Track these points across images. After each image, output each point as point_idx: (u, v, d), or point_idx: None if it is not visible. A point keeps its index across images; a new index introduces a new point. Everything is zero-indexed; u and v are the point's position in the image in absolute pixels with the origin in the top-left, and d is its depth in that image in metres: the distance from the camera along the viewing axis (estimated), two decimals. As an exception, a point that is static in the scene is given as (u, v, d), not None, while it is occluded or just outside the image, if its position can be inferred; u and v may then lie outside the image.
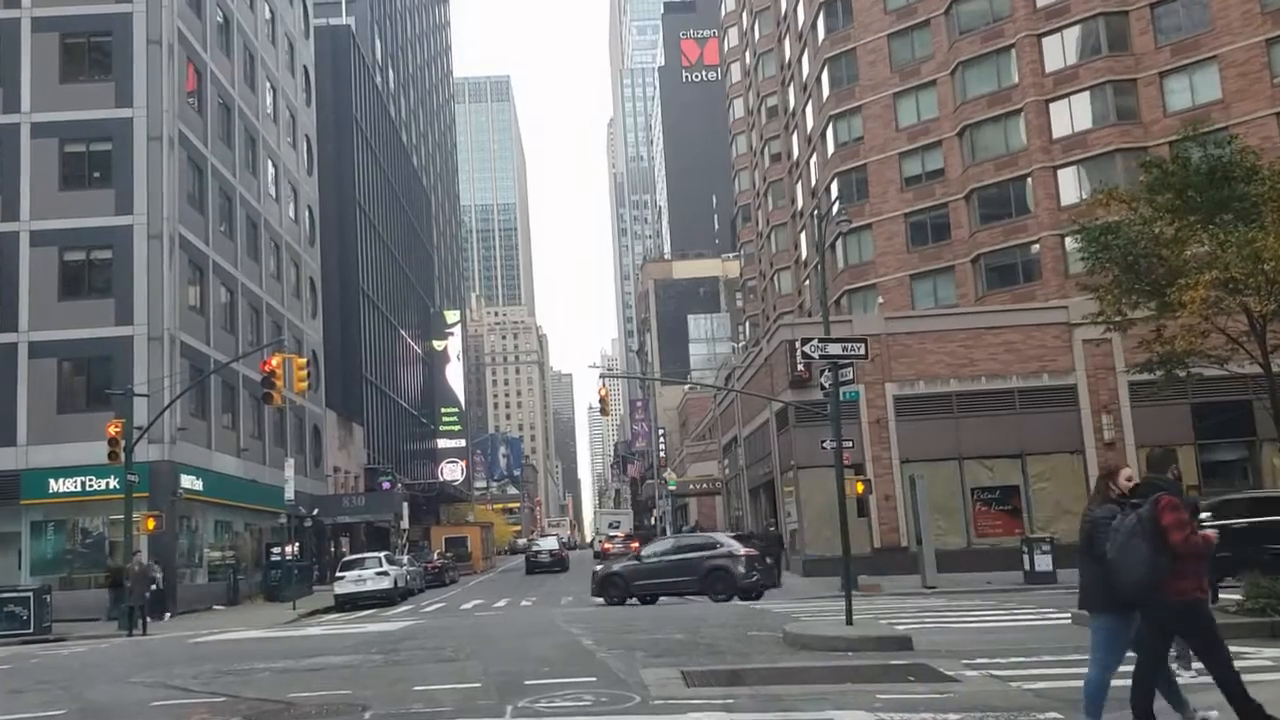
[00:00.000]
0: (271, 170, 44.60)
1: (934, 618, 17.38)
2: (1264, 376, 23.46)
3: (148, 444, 29.49)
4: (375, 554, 35.34)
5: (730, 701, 9.33)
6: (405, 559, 39.46)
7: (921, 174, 49.17)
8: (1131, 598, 6.57)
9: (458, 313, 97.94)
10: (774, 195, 70.05)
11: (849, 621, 14.20)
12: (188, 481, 32.69)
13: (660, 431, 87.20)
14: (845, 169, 51.40)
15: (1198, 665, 7.86)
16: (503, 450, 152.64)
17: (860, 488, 28.25)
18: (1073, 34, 44.05)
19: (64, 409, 32.11)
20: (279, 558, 36.75)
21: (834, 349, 16.14)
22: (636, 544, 41.03)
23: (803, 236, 62.77)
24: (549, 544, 57.55)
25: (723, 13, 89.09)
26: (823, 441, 27.06)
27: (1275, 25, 39.56)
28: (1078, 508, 27.57)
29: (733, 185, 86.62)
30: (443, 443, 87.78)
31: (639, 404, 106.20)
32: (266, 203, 43.28)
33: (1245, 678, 6.69)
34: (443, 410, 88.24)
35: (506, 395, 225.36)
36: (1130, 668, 6.91)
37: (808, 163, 59.07)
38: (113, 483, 29.08)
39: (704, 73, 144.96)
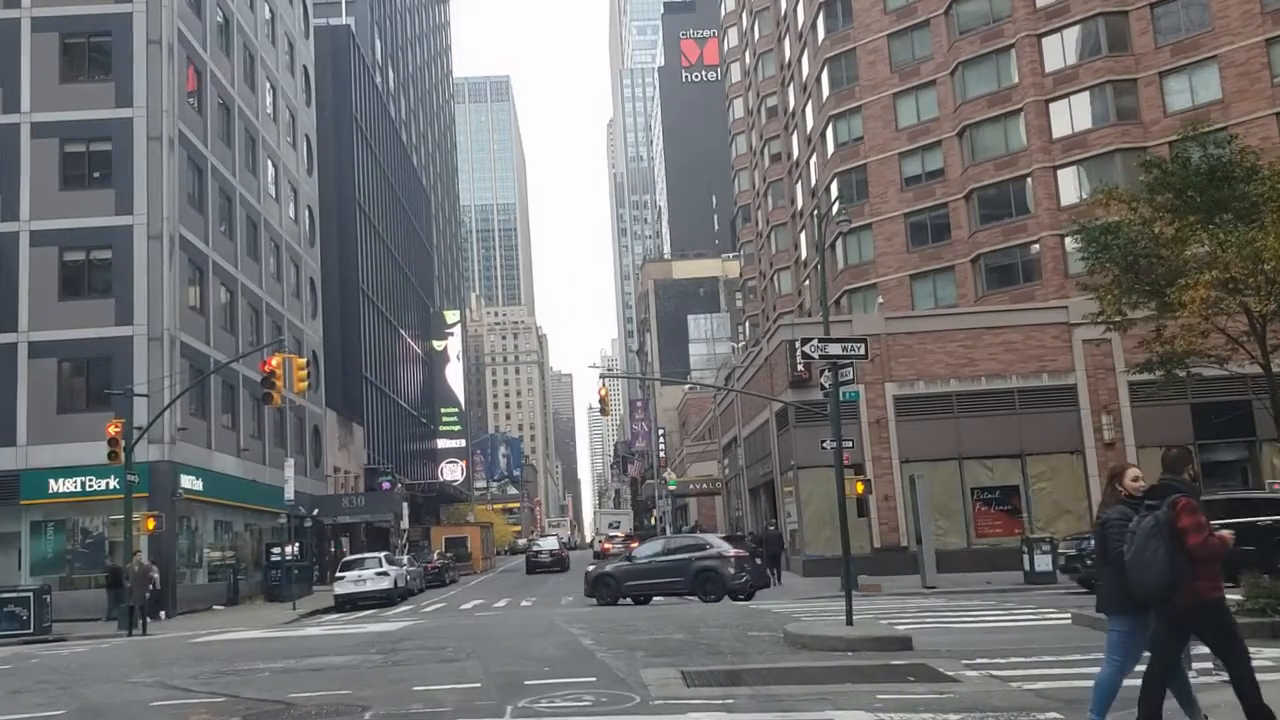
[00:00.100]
0: (271, 170, 44.59)
1: (934, 618, 17.38)
2: (1264, 376, 23.46)
3: (148, 444, 29.49)
4: (375, 554, 35.34)
5: (730, 701, 9.33)
6: (405, 559, 39.45)
7: (921, 174, 49.17)
8: (1149, 600, 6.54)
9: (457, 313, 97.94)
10: (774, 195, 70.06)
11: (849, 621, 14.20)
12: (188, 481, 32.69)
13: (660, 431, 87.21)
14: (845, 169, 51.41)
15: (1199, 665, 7.84)
16: (503, 450, 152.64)
17: (860, 488, 28.25)
18: (1072, 34, 44.07)
19: (64, 409, 32.10)
20: (279, 558, 36.73)
21: (834, 349, 16.14)
22: (636, 544, 41.09)
23: (803, 236, 62.78)
24: (549, 544, 57.98)
25: (722, 13, 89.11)
26: (823, 441, 27.06)
27: (1275, 25, 39.57)
28: (1077, 508, 27.87)
29: (733, 185, 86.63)
30: (443, 443, 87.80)
31: (639, 404, 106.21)
32: (266, 203, 43.27)
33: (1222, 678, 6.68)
34: (443, 410, 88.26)
35: (506, 395, 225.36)
36: (1140, 667, 6.88)
37: (808, 163, 59.08)
38: (113, 483, 29.07)
39: (704, 73, 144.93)
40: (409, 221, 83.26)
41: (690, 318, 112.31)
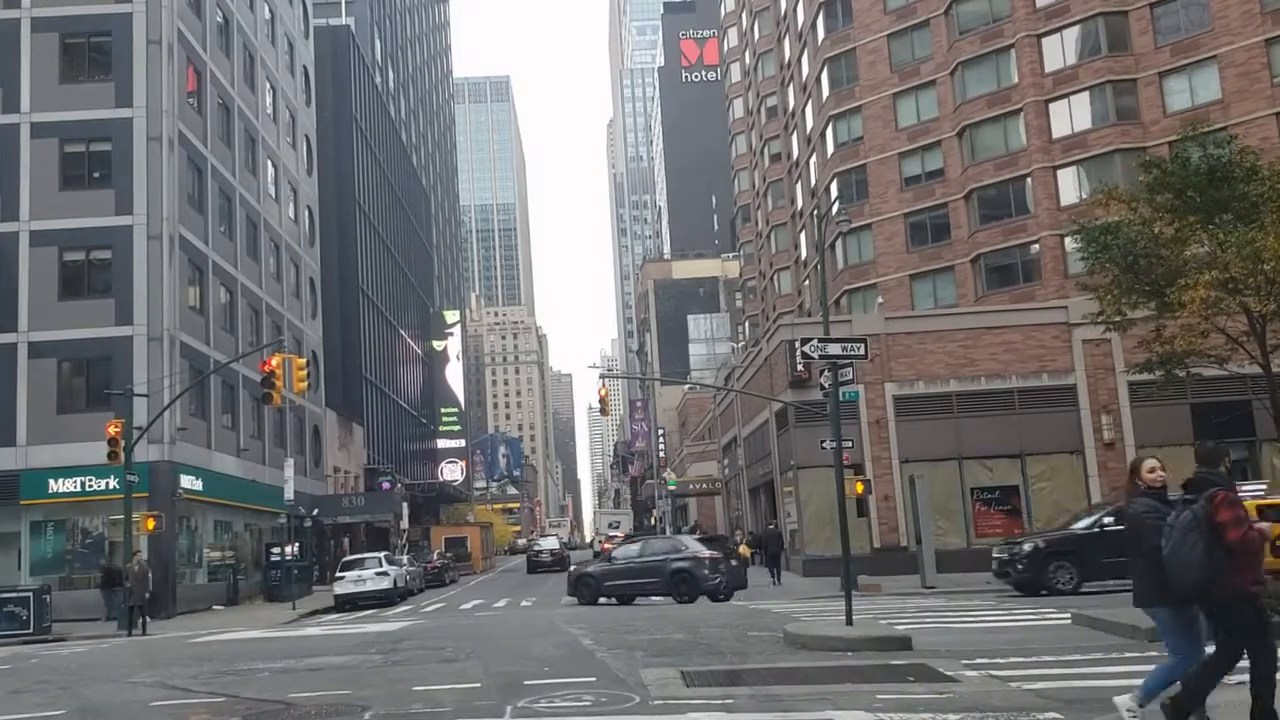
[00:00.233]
0: (271, 170, 44.59)
1: (934, 618, 17.38)
2: (1264, 377, 23.46)
3: (147, 444, 29.49)
4: (375, 554, 35.34)
5: (730, 701, 9.33)
6: (405, 559, 39.45)
7: (921, 174, 49.19)
8: (1188, 594, 6.50)
9: (457, 313, 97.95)
10: (774, 195, 70.07)
11: (849, 621, 14.20)
12: (187, 482, 32.68)
13: (660, 432, 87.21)
14: (845, 169, 51.42)
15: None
16: (502, 450, 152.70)
17: (860, 488, 28.26)
18: (1072, 34, 44.08)
19: (64, 409, 32.09)
20: (279, 558, 36.74)
21: (834, 349, 16.13)
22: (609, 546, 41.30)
23: (802, 236, 62.79)
24: (550, 544, 58.63)
25: (722, 13, 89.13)
26: (822, 441, 27.07)
27: (1275, 25, 39.58)
28: (1077, 508, 27.74)
29: (732, 185, 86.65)
30: (442, 443, 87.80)
31: (639, 404, 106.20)
32: (266, 203, 43.27)
33: (1243, 679, 6.67)
34: (442, 410, 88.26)
35: (506, 395, 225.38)
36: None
37: (807, 163, 59.08)
38: (112, 483, 29.07)
39: (704, 73, 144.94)
40: (409, 221, 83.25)
41: (690, 318, 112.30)
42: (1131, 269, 23.84)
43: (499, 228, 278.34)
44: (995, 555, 23.49)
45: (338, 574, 32.71)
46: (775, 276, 69.88)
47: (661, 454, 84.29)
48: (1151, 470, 6.96)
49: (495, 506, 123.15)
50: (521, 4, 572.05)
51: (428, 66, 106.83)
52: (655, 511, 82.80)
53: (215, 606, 34.00)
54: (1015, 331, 33.85)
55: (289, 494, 34.59)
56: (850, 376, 19.01)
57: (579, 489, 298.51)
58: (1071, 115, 43.60)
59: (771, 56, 70.10)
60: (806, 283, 61.44)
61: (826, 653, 12.51)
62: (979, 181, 46.14)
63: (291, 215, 47.60)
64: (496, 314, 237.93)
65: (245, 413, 38.97)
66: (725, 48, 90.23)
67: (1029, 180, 44.53)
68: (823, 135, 54.15)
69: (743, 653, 12.93)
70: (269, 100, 45.04)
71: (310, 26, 55.07)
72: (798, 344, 28.84)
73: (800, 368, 32.20)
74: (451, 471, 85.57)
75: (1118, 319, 24.86)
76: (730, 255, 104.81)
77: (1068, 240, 39.31)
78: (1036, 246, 44.22)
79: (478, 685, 11.01)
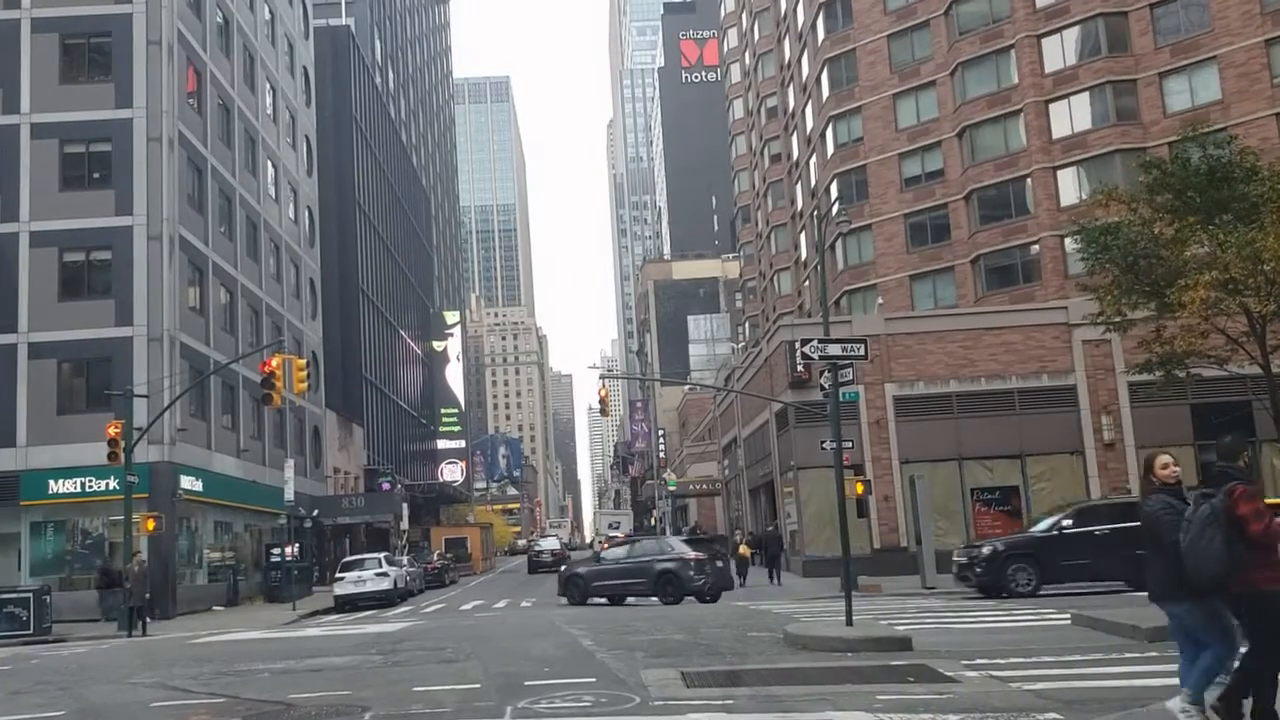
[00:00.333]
0: (271, 171, 44.60)
1: (934, 618, 17.38)
2: (1264, 377, 23.49)
3: (147, 445, 29.48)
4: (375, 555, 35.33)
5: (730, 702, 9.33)
6: (405, 560, 39.45)
7: (921, 175, 49.19)
8: (1206, 588, 6.46)
9: (457, 313, 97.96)
10: (774, 196, 70.07)
11: (849, 622, 14.19)
12: (187, 482, 32.68)
13: (660, 432, 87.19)
14: (845, 170, 51.43)
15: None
16: (502, 451, 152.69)
17: (860, 488, 28.25)
18: (1072, 35, 44.08)
19: (64, 410, 32.09)
20: (279, 558, 36.74)
21: (834, 349, 16.14)
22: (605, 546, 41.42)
23: (802, 237, 62.79)
24: (550, 544, 59.28)
25: (722, 13, 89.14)
26: (822, 442, 27.06)
27: (1275, 26, 39.58)
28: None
29: (732, 186, 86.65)
30: (442, 443, 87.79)
31: (639, 405, 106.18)
32: (266, 203, 43.27)
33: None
34: (442, 411, 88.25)
35: (506, 396, 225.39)
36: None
37: (807, 163, 59.09)
38: (112, 483, 29.07)
39: (704, 73, 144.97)
40: (409, 222, 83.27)
41: (690, 318, 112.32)
42: (1131, 269, 23.87)
43: (499, 228, 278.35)
44: (955, 559, 23.52)
45: (337, 575, 32.71)
46: (775, 277, 69.88)
47: (661, 454, 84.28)
48: (1165, 466, 6.93)
49: (495, 507, 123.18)
50: (521, 4, 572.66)
51: (428, 67, 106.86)
52: (655, 512, 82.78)
53: (215, 607, 33.99)
54: (1015, 332, 33.85)
55: (289, 495, 34.60)
56: (850, 377, 18.99)
57: (579, 489, 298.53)
58: (1071, 116, 43.61)
59: (771, 57, 70.11)
60: (806, 283, 61.44)
61: (826, 653, 12.51)
62: (979, 182, 46.14)
63: (291, 216, 47.61)
64: (496, 314, 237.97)
65: (245, 413, 38.97)
66: (725, 48, 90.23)
67: (1029, 181, 44.53)
68: (823, 136, 54.16)
69: (743, 653, 12.93)
70: (269, 101, 45.05)
71: (310, 27, 55.08)
72: (798, 344, 28.89)
73: (800, 368, 32.21)
74: (451, 472, 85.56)
75: (1118, 319, 24.89)
76: (730, 256, 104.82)
77: (1068, 241, 39.32)
78: (1036, 247, 44.22)
79: (478, 686, 11.02)
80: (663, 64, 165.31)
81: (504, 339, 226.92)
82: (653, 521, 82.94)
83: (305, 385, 30.09)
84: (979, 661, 11.09)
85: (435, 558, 49.26)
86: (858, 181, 50.84)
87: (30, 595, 25.21)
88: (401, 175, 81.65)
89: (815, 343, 16.18)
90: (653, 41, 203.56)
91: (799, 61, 60.67)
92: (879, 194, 50.04)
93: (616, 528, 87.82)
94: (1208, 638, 6.70)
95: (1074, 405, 32.91)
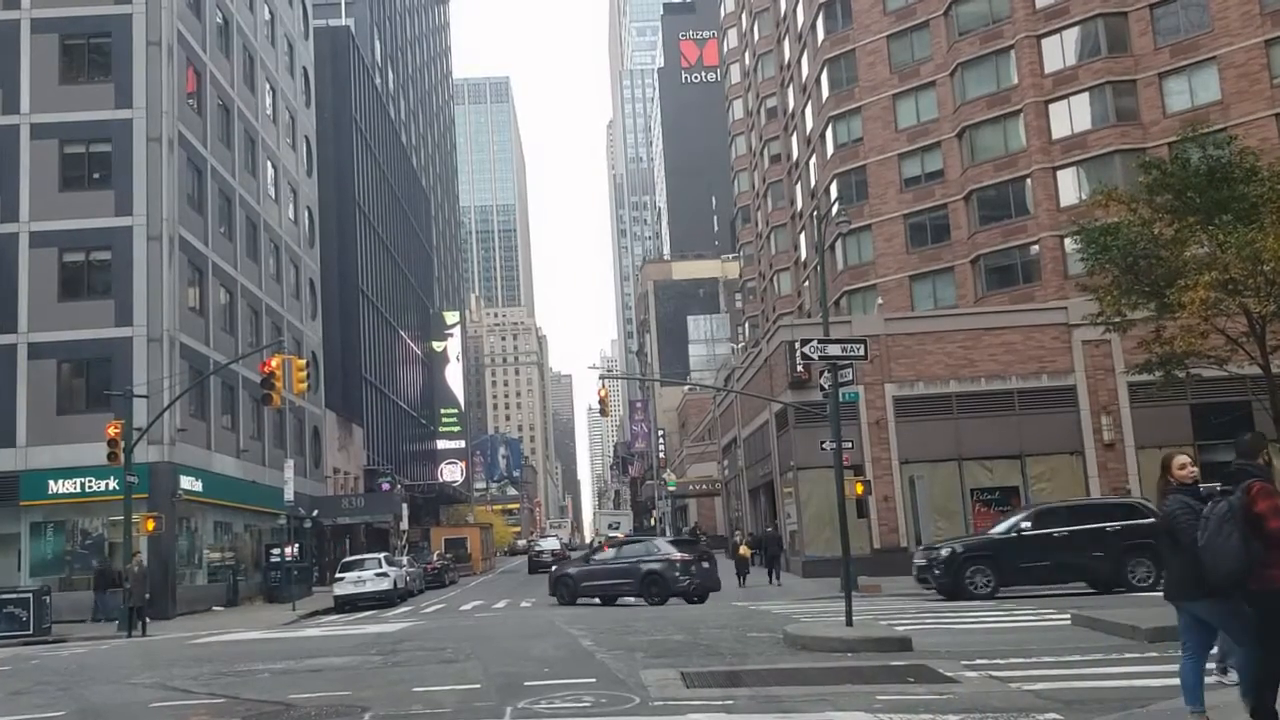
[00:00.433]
0: (271, 171, 44.59)
1: (934, 618, 17.38)
2: (1264, 377, 23.49)
3: (147, 445, 29.48)
4: (375, 555, 35.34)
5: (730, 703, 9.34)
6: (405, 560, 39.45)
7: (921, 175, 49.19)
8: (1223, 585, 6.42)
9: (457, 314, 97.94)
10: (773, 196, 70.08)
11: (849, 622, 14.20)
12: (187, 483, 32.68)
13: (660, 432, 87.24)
14: (845, 170, 51.44)
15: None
16: (502, 451, 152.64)
17: (860, 489, 28.24)
18: (1072, 35, 44.08)
19: (64, 410, 32.08)
20: (278, 559, 36.73)
21: (833, 350, 16.15)
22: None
23: (802, 237, 62.80)
24: (550, 545, 59.26)
25: (722, 14, 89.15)
26: (822, 442, 27.06)
27: (1274, 26, 39.59)
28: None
29: (732, 186, 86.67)
30: (442, 444, 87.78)
31: (638, 405, 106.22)
32: (266, 204, 43.27)
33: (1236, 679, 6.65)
34: (442, 411, 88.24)
35: (506, 396, 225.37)
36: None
37: (807, 164, 59.10)
38: (112, 484, 29.06)
39: (703, 74, 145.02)
40: (408, 222, 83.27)
41: (690, 319, 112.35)
42: (1131, 270, 23.87)
43: (499, 228, 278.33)
44: (915, 561, 23.54)
45: (337, 575, 32.71)
46: (775, 277, 69.89)
47: (661, 455, 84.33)
48: (1182, 466, 6.90)
49: (495, 507, 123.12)
50: (521, 4, 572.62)
51: (427, 68, 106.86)
52: (655, 512, 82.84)
53: (215, 607, 33.99)
54: (1015, 332, 33.86)
55: (289, 495, 34.59)
56: (850, 377, 19.00)
57: (579, 490, 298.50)
58: (1071, 116, 43.60)
59: (771, 57, 70.11)
60: (806, 284, 61.45)
61: (826, 654, 12.52)
62: (979, 182, 46.14)
63: (291, 216, 47.61)
64: (496, 315, 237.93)
65: (245, 414, 38.97)
66: (725, 49, 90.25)
67: (1029, 181, 44.53)
68: (822, 136, 54.17)
69: (743, 654, 12.94)
70: (269, 101, 45.05)
71: (310, 28, 55.09)
72: (797, 345, 28.89)
73: (800, 368, 32.20)
74: (451, 472, 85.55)
75: (1117, 320, 24.88)
76: (730, 256, 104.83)
77: (1067, 241, 39.32)
78: (1036, 247, 44.23)
79: (478, 686, 11.02)
80: (662, 64, 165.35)
81: (504, 339, 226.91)
82: (653, 522, 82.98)
83: (305, 385, 30.09)
84: (979, 662, 11.10)
85: (435, 558, 49.25)
86: (857, 182, 50.84)
87: (30, 595, 25.21)
88: (401, 175, 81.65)
89: (815, 343, 16.18)
90: (652, 42, 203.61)
91: (799, 62, 60.68)
92: (879, 194, 50.05)
93: (616, 528, 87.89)
94: (1233, 636, 6.67)
95: (1074, 405, 32.91)
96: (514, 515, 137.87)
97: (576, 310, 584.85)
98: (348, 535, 53.24)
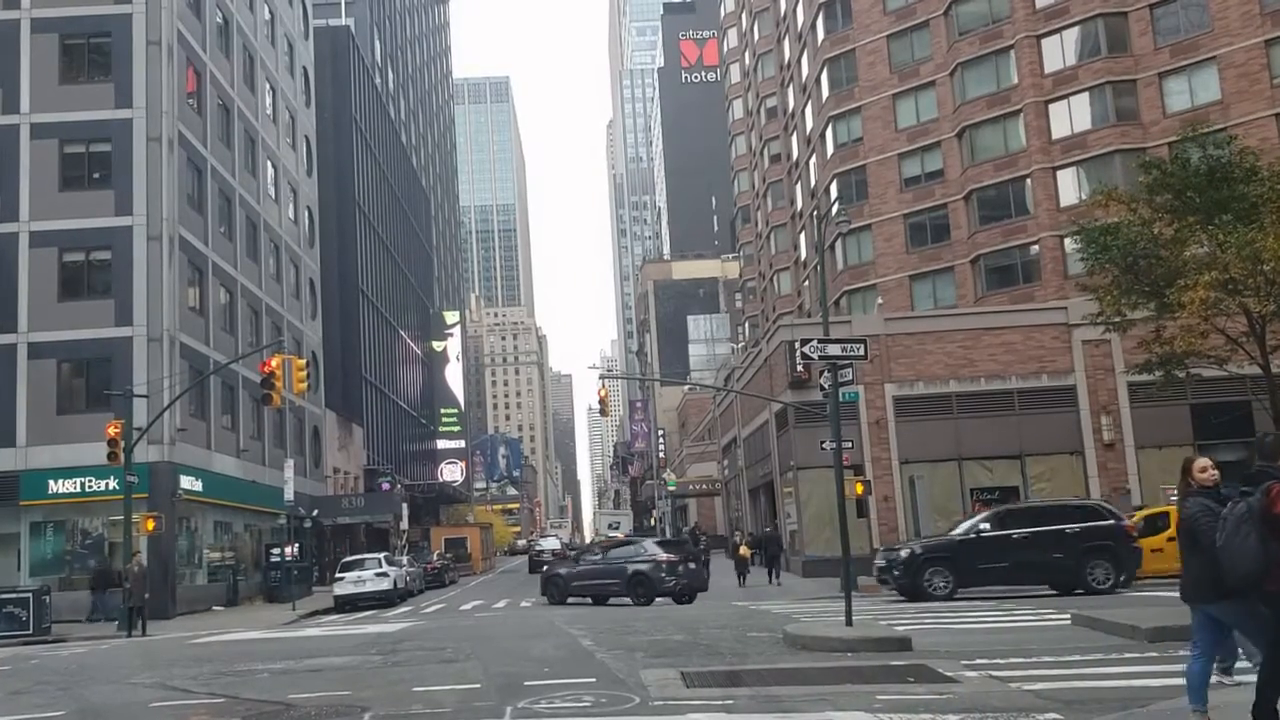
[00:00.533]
0: (271, 171, 44.59)
1: (934, 618, 17.38)
2: (1264, 377, 23.48)
3: (147, 445, 29.48)
4: (375, 555, 35.33)
5: (730, 702, 9.34)
6: (405, 560, 39.45)
7: (921, 175, 49.19)
8: (1240, 586, 6.40)
9: (457, 313, 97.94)
10: (773, 196, 70.07)
11: (848, 622, 14.21)
12: (187, 482, 32.68)
13: (660, 432, 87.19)
14: (844, 170, 51.44)
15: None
16: (502, 451, 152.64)
17: (860, 489, 28.26)
18: (1072, 35, 44.08)
19: (63, 410, 32.08)
20: (278, 559, 36.74)
21: (833, 350, 16.14)
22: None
23: (802, 237, 62.80)
24: (551, 544, 59.67)
25: (722, 14, 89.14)
26: (822, 442, 27.07)
27: (1274, 26, 39.59)
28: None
29: (732, 186, 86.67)
30: (442, 444, 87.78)
31: (638, 405, 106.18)
32: (266, 204, 43.27)
33: (1244, 680, 6.64)
34: (442, 411, 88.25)
35: (506, 396, 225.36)
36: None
37: (807, 164, 59.10)
38: (112, 483, 29.06)
39: (703, 74, 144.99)
40: (408, 222, 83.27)
41: (690, 318, 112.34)
42: (1131, 270, 23.87)
43: (499, 228, 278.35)
44: (875, 562, 23.58)
45: (337, 575, 32.70)
46: (775, 277, 69.89)
47: (661, 455, 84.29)
48: (1204, 470, 6.89)
49: (495, 507, 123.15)
50: (521, 4, 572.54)
51: (427, 67, 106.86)
52: (655, 512, 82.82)
53: (215, 607, 33.99)
54: (1015, 332, 33.87)
55: (289, 495, 34.59)
56: (850, 377, 18.98)
57: (579, 490, 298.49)
58: (1071, 116, 43.61)
59: (771, 57, 70.10)
60: (806, 283, 61.44)
61: (826, 653, 12.52)
62: (979, 182, 46.14)
63: (291, 216, 47.61)
64: (496, 315, 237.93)
65: (245, 413, 38.97)
66: (725, 48, 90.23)
67: (1029, 181, 44.54)
68: (822, 136, 54.17)
69: (743, 653, 12.94)
70: (269, 101, 45.04)
71: (310, 27, 55.08)
72: (797, 345, 28.90)
73: (800, 368, 32.21)
74: (451, 472, 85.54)
75: (1117, 320, 24.89)
76: (730, 256, 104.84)
77: (1067, 241, 39.32)
78: (1036, 247, 44.23)
79: (478, 686, 11.02)
80: (662, 64, 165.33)
81: (504, 339, 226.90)
82: (653, 522, 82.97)
83: (305, 385, 30.09)
84: (979, 661, 11.10)
85: (435, 558, 49.26)
86: (857, 181, 50.84)
87: (30, 595, 25.22)
88: (401, 175, 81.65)
89: (815, 343, 16.18)
90: (652, 42, 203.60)
91: (799, 62, 60.67)
92: (879, 194, 50.05)
93: (616, 528, 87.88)
94: (1249, 637, 6.65)
95: (1074, 405, 32.93)
96: (514, 515, 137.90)
97: (576, 310, 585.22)
98: (348, 535, 53.24)
